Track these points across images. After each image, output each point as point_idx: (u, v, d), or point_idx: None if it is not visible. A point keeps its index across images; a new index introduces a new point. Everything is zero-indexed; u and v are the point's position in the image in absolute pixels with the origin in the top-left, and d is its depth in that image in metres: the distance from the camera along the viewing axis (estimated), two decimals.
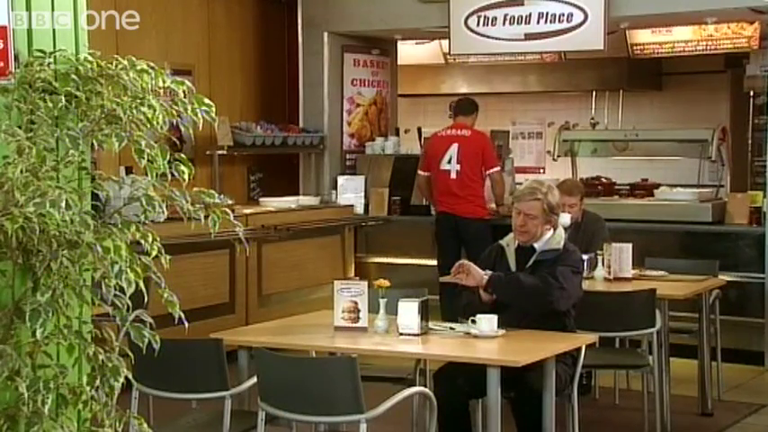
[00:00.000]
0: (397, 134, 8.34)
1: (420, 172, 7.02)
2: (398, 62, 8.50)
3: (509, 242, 4.11)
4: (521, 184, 7.75)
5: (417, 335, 3.71)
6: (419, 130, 8.07)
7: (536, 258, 4.01)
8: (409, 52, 9.07)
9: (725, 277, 5.57)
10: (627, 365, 4.99)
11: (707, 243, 6.54)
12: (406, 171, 7.60)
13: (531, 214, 3.99)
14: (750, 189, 7.59)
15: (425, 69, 9.68)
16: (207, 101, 2.44)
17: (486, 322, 3.72)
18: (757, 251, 6.41)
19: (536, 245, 4.04)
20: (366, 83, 8.10)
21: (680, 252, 6.38)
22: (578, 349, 3.84)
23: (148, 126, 2.36)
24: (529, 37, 7.05)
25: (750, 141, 8.87)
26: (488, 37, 7.15)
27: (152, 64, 2.42)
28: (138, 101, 2.33)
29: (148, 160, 2.37)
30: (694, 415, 5.19)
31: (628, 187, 7.65)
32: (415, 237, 7.51)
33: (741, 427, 5.10)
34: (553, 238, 4.04)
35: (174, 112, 2.40)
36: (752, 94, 8.78)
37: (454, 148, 6.79)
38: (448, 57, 9.15)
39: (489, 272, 3.93)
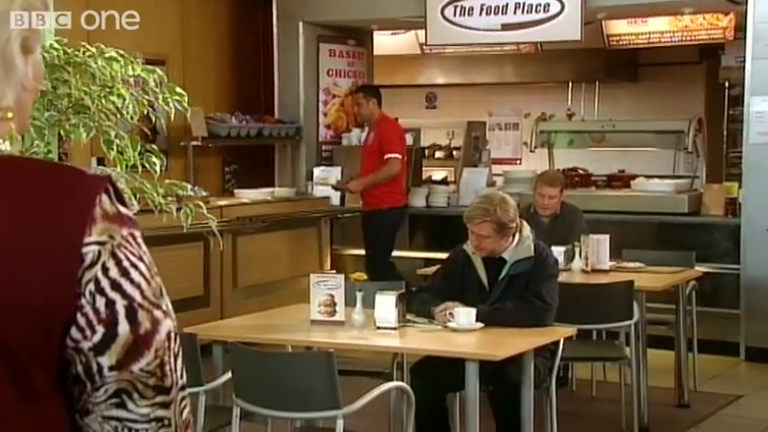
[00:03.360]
0: None
1: (399, 156, 6.69)
2: (374, 53, 8.44)
3: (475, 250, 3.95)
4: (498, 175, 7.79)
5: (395, 328, 3.67)
6: (395, 120, 8.01)
7: (510, 272, 3.88)
8: (385, 43, 9.01)
9: (701, 268, 5.57)
10: (605, 358, 4.98)
11: (683, 234, 6.55)
12: None
13: (482, 235, 3.87)
14: (725, 180, 7.62)
15: (402, 60, 9.62)
16: (179, 90, 2.37)
17: (465, 316, 3.68)
18: (733, 242, 6.43)
19: (505, 255, 3.91)
20: (342, 73, 8.03)
21: (656, 243, 6.38)
22: (557, 342, 3.82)
23: (118, 116, 2.28)
24: (506, 27, 7.01)
25: (725, 132, 8.90)
26: (465, 27, 7.10)
27: (122, 52, 2.35)
28: (108, 90, 2.25)
29: (118, 151, 2.30)
30: (671, 407, 5.19)
31: (605, 178, 7.65)
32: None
33: (717, 419, 5.10)
34: (522, 243, 3.91)
35: (144, 101, 2.32)
36: (727, 85, 8.81)
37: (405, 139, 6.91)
38: (424, 47, 9.10)
39: (474, 309, 3.70)
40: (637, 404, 4.67)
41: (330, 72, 7.93)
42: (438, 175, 8.62)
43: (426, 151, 8.48)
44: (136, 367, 0.95)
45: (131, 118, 2.30)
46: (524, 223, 4.01)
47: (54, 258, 0.92)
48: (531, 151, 7.91)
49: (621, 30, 8.89)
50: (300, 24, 7.68)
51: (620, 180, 7.43)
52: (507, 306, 3.80)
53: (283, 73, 7.75)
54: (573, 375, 5.48)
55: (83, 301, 0.93)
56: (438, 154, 8.94)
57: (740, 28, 8.14)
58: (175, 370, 0.99)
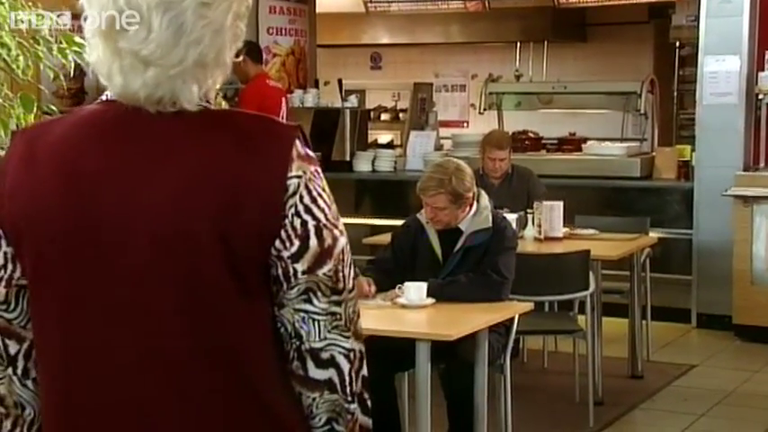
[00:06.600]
0: (317, 86, 7.95)
1: None
2: (317, 10, 8.08)
3: (430, 222, 3.70)
4: (446, 138, 7.54)
5: None
6: (340, 82, 7.69)
7: (466, 245, 3.64)
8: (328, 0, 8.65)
9: (653, 234, 5.41)
10: (559, 331, 4.77)
11: (635, 199, 6.39)
12: (326, 125, 7.24)
13: (437, 207, 3.63)
14: (675, 142, 7.48)
15: (345, 18, 9.26)
16: (79, 40, 2.00)
17: (415, 291, 3.42)
18: (685, 206, 6.28)
19: (461, 226, 3.66)
20: (283, 31, 7.66)
21: (608, 208, 6.21)
22: (511, 318, 3.59)
23: (8, 71, 1.93)
24: None
25: (676, 94, 8.76)
26: None
27: None
28: None
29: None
30: (624, 378, 5.04)
31: (555, 142, 7.44)
32: (336, 194, 7.08)
33: (671, 390, 4.96)
34: (479, 214, 3.67)
35: (40, 53, 1.97)
36: (678, 44, 8.65)
37: (283, 102, 6.58)
38: (368, 5, 8.75)
39: (425, 283, 3.47)
40: (591, 377, 4.49)
41: (270, 30, 7.56)
42: (384, 138, 8.35)
43: (371, 114, 8.19)
44: (320, 272, 1.24)
45: (23, 73, 1.95)
46: (482, 192, 3.76)
47: (267, 188, 1.22)
48: (479, 113, 7.65)
49: None
50: None
51: (572, 143, 7.23)
52: (460, 279, 3.56)
53: None
54: (524, 346, 5.29)
55: (285, 221, 1.23)
56: (384, 116, 8.66)
57: None
58: (347, 277, 1.27)
